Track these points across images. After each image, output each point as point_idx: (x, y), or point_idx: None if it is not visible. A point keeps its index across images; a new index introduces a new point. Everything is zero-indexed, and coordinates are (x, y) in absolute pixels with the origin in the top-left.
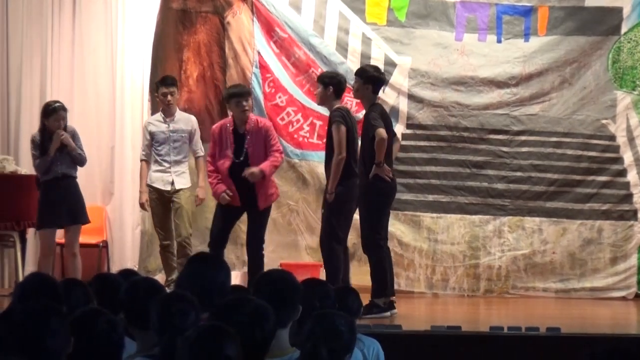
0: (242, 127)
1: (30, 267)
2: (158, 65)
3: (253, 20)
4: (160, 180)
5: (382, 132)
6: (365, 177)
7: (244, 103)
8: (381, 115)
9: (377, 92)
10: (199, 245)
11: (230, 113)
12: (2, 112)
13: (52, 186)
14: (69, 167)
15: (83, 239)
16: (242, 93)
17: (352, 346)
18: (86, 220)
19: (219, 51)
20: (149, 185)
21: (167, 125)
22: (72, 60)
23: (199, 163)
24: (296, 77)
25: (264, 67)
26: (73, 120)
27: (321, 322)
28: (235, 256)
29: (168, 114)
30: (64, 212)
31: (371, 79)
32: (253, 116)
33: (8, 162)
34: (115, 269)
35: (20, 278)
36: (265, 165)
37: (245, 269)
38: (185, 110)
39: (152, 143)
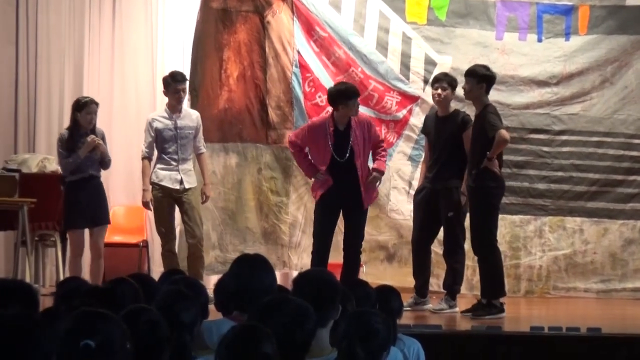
0: (343, 125)
1: (69, 267)
2: (198, 65)
3: (293, 20)
4: (168, 178)
5: (505, 133)
6: (475, 179)
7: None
8: (498, 117)
9: (489, 92)
10: (239, 244)
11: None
12: (46, 112)
13: (79, 186)
14: (96, 168)
15: (124, 238)
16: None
17: (389, 344)
18: (109, 221)
19: (259, 50)
20: (154, 184)
21: (173, 122)
22: (112, 60)
23: (202, 160)
24: (336, 77)
25: (304, 67)
26: (113, 120)
27: (356, 321)
28: (276, 257)
29: (175, 110)
30: (92, 212)
31: (484, 77)
32: None
33: (49, 161)
34: (155, 268)
35: (61, 277)
36: (379, 165)
37: (286, 269)
38: (226, 110)
39: (157, 140)
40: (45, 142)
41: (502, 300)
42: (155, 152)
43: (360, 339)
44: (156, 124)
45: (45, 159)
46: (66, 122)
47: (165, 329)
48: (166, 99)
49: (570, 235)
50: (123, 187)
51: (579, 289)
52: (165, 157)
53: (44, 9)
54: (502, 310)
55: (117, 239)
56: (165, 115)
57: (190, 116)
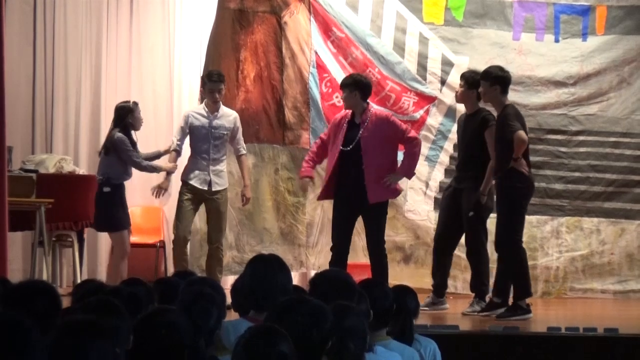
0: (359, 117)
1: (87, 267)
2: (210, 65)
3: (310, 20)
4: (197, 178)
5: (521, 134)
6: (502, 179)
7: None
8: (516, 117)
9: (506, 92)
10: (256, 245)
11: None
12: (63, 112)
13: (123, 189)
14: None
15: (141, 239)
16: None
17: (366, 336)
18: None
19: (276, 51)
20: (184, 182)
21: (209, 121)
22: (130, 60)
23: (242, 161)
24: None
25: (321, 67)
26: None
27: (340, 316)
28: (293, 257)
29: (213, 109)
30: (128, 213)
31: (498, 79)
32: (372, 108)
33: (66, 162)
34: (172, 268)
35: (78, 278)
36: (401, 169)
37: (303, 269)
38: (242, 110)
39: (192, 138)
40: (62, 142)
41: (528, 301)
42: (190, 150)
43: (347, 334)
44: (192, 120)
45: (62, 159)
46: (84, 123)
47: (188, 331)
48: (182, 100)
49: (588, 235)
50: (140, 187)
51: (596, 290)
52: (197, 155)
53: (61, 9)
54: (529, 311)
55: (134, 239)
56: (203, 112)
57: (227, 117)
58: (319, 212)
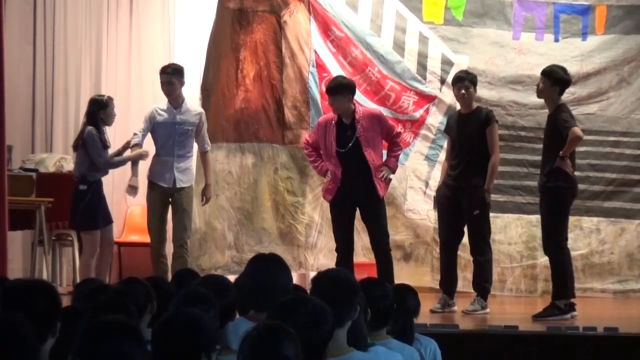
0: (348, 117)
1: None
2: (210, 65)
3: (310, 20)
4: (161, 176)
5: (577, 130)
6: (548, 179)
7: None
8: (571, 114)
9: (562, 94)
10: (255, 245)
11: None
12: (63, 112)
13: (100, 186)
14: None
15: (139, 237)
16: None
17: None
18: None
19: (276, 50)
20: (149, 181)
21: (173, 116)
22: (130, 59)
23: (205, 158)
24: (353, 77)
25: (320, 66)
26: (130, 119)
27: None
28: (292, 257)
29: (175, 105)
30: (107, 211)
31: (559, 81)
32: (359, 107)
33: (66, 161)
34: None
35: (78, 277)
36: (388, 161)
37: (302, 270)
38: (242, 110)
39: (156, 134)
40: (62, 142)
41: (572, 300)
42: (154, 148)
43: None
44: (155, 116)
45: (62, 158)
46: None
47: (208, 334)
48: (186, 96)
49: (587, 235)
50: (140, 186)
51: (596, 289)
52: (161, 152)
53: (61, 9)
54: (566, 312)
55: (134, 238)
56: (166, 108)
57: (192, 112)
58: (318, 212)
